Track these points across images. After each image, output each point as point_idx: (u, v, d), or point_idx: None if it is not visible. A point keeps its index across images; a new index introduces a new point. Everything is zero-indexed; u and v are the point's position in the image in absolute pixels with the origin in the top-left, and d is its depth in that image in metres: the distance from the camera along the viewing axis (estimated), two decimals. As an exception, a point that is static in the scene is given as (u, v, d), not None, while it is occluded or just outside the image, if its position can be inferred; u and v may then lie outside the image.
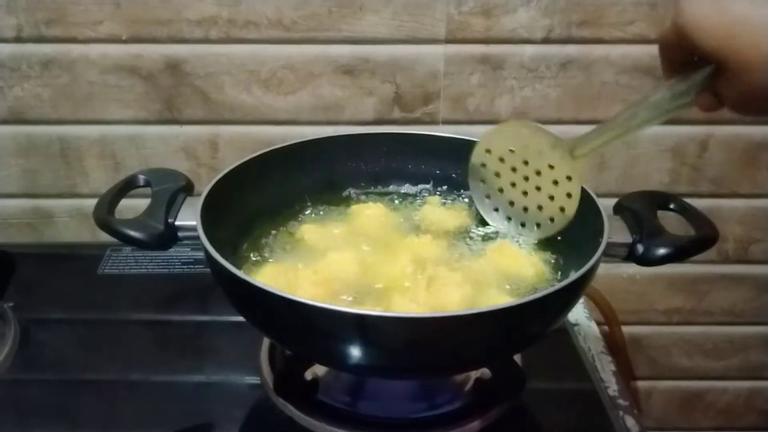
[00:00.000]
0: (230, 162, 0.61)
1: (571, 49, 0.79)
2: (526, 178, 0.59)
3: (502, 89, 0.81)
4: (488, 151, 0.61)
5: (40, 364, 0.66)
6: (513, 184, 0.60)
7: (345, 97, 0.81)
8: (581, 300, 0.79)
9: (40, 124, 0.82)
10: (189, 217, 0.54)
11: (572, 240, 0.58)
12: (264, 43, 0.78)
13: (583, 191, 0.57)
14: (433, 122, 0.83)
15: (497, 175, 0.61)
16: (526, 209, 0.60)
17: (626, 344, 0.93)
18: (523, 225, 0.61)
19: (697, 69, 0.44)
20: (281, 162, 0.64)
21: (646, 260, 0.54)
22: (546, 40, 0.78)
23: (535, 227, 0.60)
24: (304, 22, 0.77)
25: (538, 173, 0.58)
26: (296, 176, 0.66)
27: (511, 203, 0.61)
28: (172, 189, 0.57)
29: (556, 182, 0.57)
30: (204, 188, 0.56)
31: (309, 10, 0.76)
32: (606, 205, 0.55)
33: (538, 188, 0.59)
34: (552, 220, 0.58)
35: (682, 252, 0.54)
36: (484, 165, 0.61)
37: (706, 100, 0.45)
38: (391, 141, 0.69)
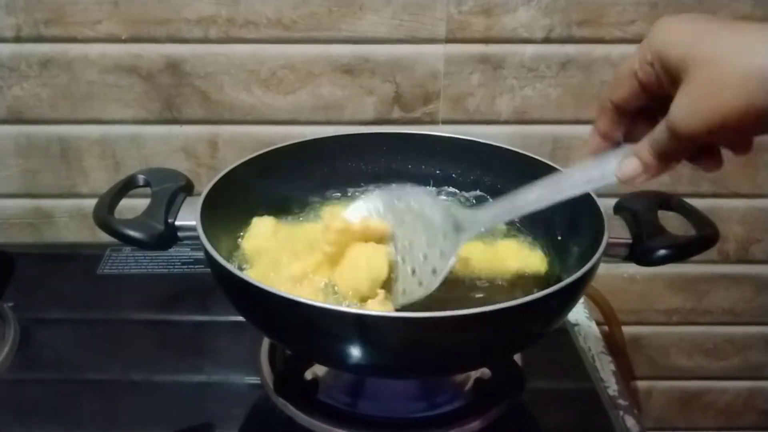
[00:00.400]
0: (230, 162, 0.61)
1: (572, 49, 0.79)
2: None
3: (502, 89, 0.81)
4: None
5: (40, 364, 0.66)
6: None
7: (345, 97, 0.81)
8: (581, 300, 0.79)
9: (40, 124, 0.82)
10: (189, 217, 0.54)
11: (572, 240, 0.58)
12: (263, 42, 0.78)
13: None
14: (433, 122, 0.83)
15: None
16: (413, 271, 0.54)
17: (626, 344, 0.93)
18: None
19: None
20: (281, 162, 0.64)
21: (646, 260, 0.54)
22: (546, 40, 0.78)
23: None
24: (304, 21, 0.77)
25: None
26: (296, 176, 0.66)
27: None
28: (172, 189, 0.57)
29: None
30: (204, 188, 0.56)
31: (308, 9, 0.76)
32: (606, 205, 0.55)
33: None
34: (420, 284, 0.52)
35: (682, 252, 0.54)
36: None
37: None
38: (391, 141, 0.69)
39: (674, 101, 0.38)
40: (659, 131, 0.40)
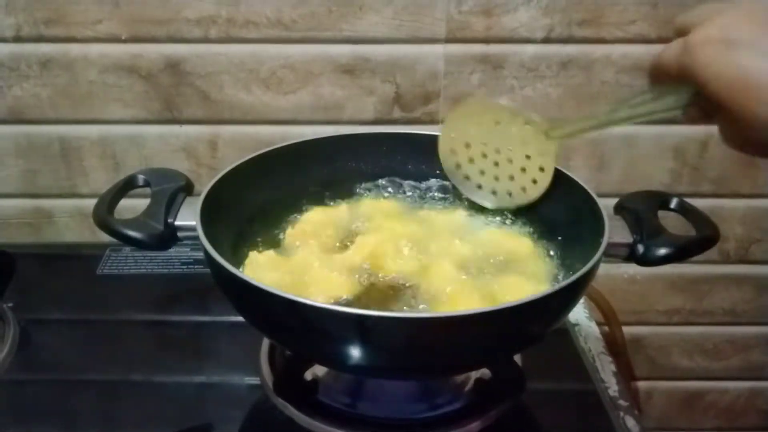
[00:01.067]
0: (230, 162, 0.60)
1: (572, 49, 0.79)
2: (498, 151, 0.62)
3: (502, 89, 0.81)
4: (453, 135, 0.63)
5: (40, 364, 0.66)
6: (484, 156, 0.63)
7: (345, 97, 0.81)
8: (581, 300, 0.78)
9: (40, 124, 0.82)
10: (189, 217, 0.54)
11: (572, 240, 0.58)
12: (263, 42, 0.78)
13: (584, 191, 0.57)
14: (433, 122, 0.83)
15: (469, 156, 0.63)
16: (498, 178, 0.63)
17: (626, 344, 0.93)
18: (494, 193, 0.63)
19: (686, 90, 0.43)
20: (281, 161, 0.64)
21: (646, 260, 0.54)
22: (546, 40, 0.78)
23: (508, 196, 0.63)
24: (304, 21, 0.77)
25: (509, 150, 0.61)
26: (296, 176, 0.66)
27: (496, 177, 0.63)
28: (172, 189, 0.57)
29: (528, 157, 0.60)
30: (204, 188, 0.56)
31: (308, 9, 0.76)
32: (606, 205, 0.55)
33: (510, 161, 0.61)
34: (524, 190, 0.61)
35: (682, 252, 0.54)
36: (453, 150, 0.64)
37: (694, 113, 0.44)
38: (391, 141, 0.69)
39: (724, 130, 0.41)
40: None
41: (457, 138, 0.63)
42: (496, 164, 0.62)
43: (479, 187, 0.64)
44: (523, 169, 0.61)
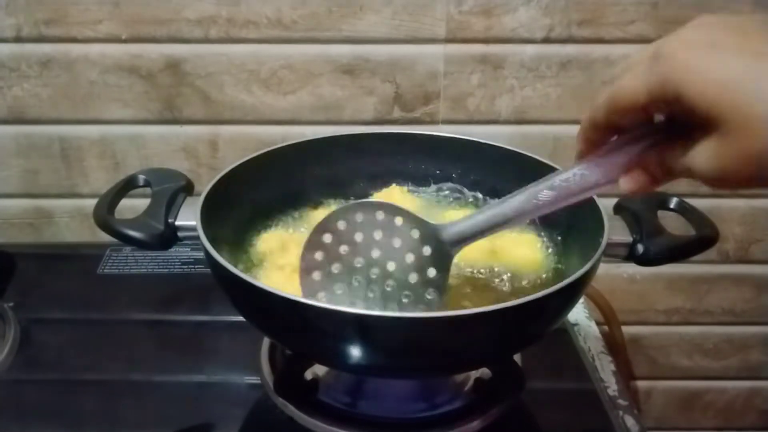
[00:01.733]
0: (230, 162, 0.60)
1: (572, 49, 0.79)
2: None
3: (502, 89, 0.81)
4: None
5: (40, 364, 0.66)
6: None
7: (345, 97, 0.81)
8: (581, 300, 0.79)
9: (40, 124, 0.82)
10: (189, 217, 0.54)
11: (572, 240, 0.58)
12: (264, 42, 0.78)
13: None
14: (433, 122, 0.83)
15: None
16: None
17: (626, 344, 0.93)
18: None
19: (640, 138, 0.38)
20: (281, 162, 0.64)
21: (646, 260, 0.54)
22: (546, 40, 0.78)
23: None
24: (304, 21, 0.77)
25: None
26: (296, 176, 0.66)
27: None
28: (172, 189, 0.57)
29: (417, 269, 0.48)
30: (204, 188, 0.56)
31: (309, 9, 0.76)
32: (606, 204, 0.55)
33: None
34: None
35: (682, 252, 0.54)
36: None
37: (642, 175, 0.38)
38: (391, 141, 0.69)
39: (707, 151, 0.33)
40: (682, 165, 0.35)
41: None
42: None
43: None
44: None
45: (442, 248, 0.47)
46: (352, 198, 0.67)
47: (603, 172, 0.41)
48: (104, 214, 0.54)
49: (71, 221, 0.88)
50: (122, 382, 0.64)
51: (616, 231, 0.54)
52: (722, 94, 0.31)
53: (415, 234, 0.47)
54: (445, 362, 0.49)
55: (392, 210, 0.48)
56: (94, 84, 0.80)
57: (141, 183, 0.59)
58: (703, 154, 0.33)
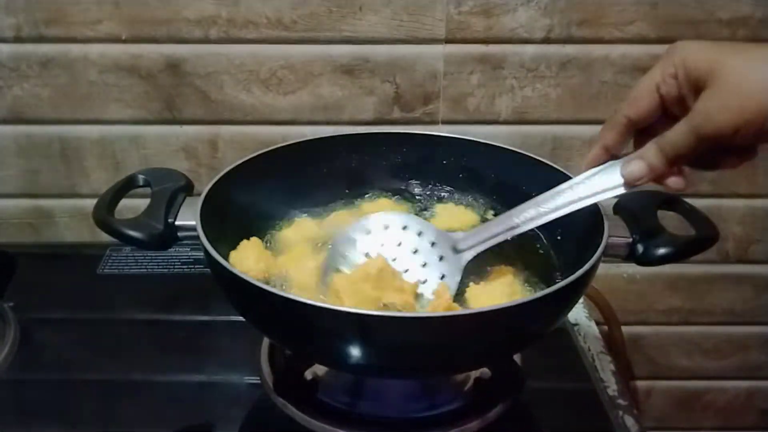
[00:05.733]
0: (230, 162, 0.61)
1: (571, 49, 0.79)
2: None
3: (502, 89, 0.81)
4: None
5: (40, 364, 0.66)
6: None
7: (345, 97, 0.81)
8: (581, 300, 0.79)
9: (40, 124, 0.82)
10: (189, 217, 0.54)
11: (572, 240, 0.58)
12: (263, 42, 0.78)
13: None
14: (433, 122, 0.83)
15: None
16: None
17: (626, 344, 0.93)
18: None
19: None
20: (281, 162, 0.64)
21: (646, 260, 0.54)
22: (546, 40, 0.78)
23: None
24: (304, 21, 0.77)
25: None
26: (296, 176, 0.66)
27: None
28: (172, 189, 0.57)
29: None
30: (204, 188, 0.56)
31: (308, 9, 0.76)
32: (606, 204, 0.55)
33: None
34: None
35: (682, 252, 0.54)
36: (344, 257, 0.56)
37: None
38: (391, 141, 0.69)
39: (699, 104, 0.42)
40: (677, 134, 0.44)
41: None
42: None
43: None
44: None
45: (456, 255, 0.54)
46: (352, 197, 0.67)
47: (608, 180, 0.48)
48: (104, 214, 0.54)
49: (71, 221, 0.88)
50: (122, 382, 0.64)
51: (616, 231, 0.54)
52: (718, 58, 0.41)
53: (432, 241, 0.55)
54: (445, 362, 0.49)
55: (412, 221, 0.56)
56: (94, 84, 0.80)
57: (141, 183, 0.59)
58: (706, 106, 0.42)
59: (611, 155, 0.49)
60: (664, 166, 0.45)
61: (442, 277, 0.54)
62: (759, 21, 0.77)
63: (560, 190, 0.51)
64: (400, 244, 0.56)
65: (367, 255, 0.55)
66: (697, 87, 0.43)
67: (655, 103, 0.46)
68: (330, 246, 0.57)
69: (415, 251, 0.56)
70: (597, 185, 0.49)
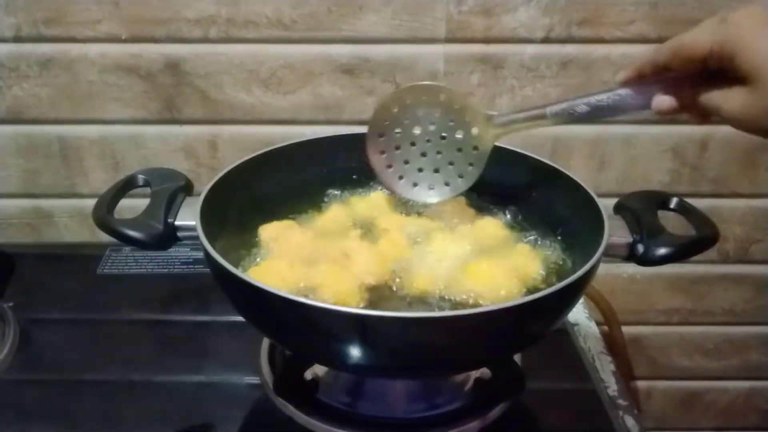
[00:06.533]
0: (230, 162, 0.61)
1: (572, 49, 0.79)
2: (428, 140, 0.59)
3: (502, 89, 0.81)
4: (385, 120, 0.60)
5: (40, 364, 0.66)
6: (413, 144, 0.60)
7: (345, 97, 0.81)
8: (581, 300, 0.79)
9: (40, 124, 0.82)
10: (188, 217, 0.54)
11: (572, 240, 0.58)
12: (263, 42, 0.78)
13: (583, 191, 0.57)
14: (433, 122, 0.82)
15: (397, 141, 0.60)
16: (422, 169, 0.61)
17: (626, 344, 0.93)
18: (415, 185, 0.61)
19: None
20: (281, 162, 0.64)
21: (646, 260, 0.54)
22: (546, 40, 0.78)
23: (444, 186, 0.60)
24: (304, 21, 0.77)
25: (441, 139, 0.59)
26: (296, 176, 0.66)
27: (420, 169, 0.61)
28: (172, 189, 0.57)
29: (459, 150, 0.59)
30: (204, 188, 0.56)
31: (308, 9, 0.76)
32: (606, 205, 0.55)
33: (439, 152, 0.60)
34: (461, 176, 0.60)
35: (682, 252, 0.54)
36: (382, 135, 0.60)
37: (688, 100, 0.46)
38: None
39: (739, 97, 0.42)
40: (714, 102, 0.44)
41: (390, 122, 0.60)
42: (424, 155, 0.60)
43: (400, 177, 0.61)
44: (451, 163, 0.59)
45: (487, 130, 0.57)
46: (352, 196, 0.67)
47: (639, 97, 0.49)
48: (104, 214, 0.54)
49: (71, 221, 0.88)
50: (122, 382, 0.64)
51: (616, 231, 0.54)
52: (765, 62, 0.40)
53: (467, 116, 0.57)
54: (445, 362, 0.49)
55: (450, 93, 0.58)
56: (94, 84, 0.80)
57: (140, 183, 0.59)
58: (735, 98, 0.42)
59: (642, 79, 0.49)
60: (691, 109, 0.46)
61: (473, 148, 0.58)
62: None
63: (591, 101, 0.53)
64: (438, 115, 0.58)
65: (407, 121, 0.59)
66: (738, 75, 0.42)
67: (695, 67, 0.45)
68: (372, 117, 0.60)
69: (452, 125, 0.58)
70: (625, 99, 0.50)
